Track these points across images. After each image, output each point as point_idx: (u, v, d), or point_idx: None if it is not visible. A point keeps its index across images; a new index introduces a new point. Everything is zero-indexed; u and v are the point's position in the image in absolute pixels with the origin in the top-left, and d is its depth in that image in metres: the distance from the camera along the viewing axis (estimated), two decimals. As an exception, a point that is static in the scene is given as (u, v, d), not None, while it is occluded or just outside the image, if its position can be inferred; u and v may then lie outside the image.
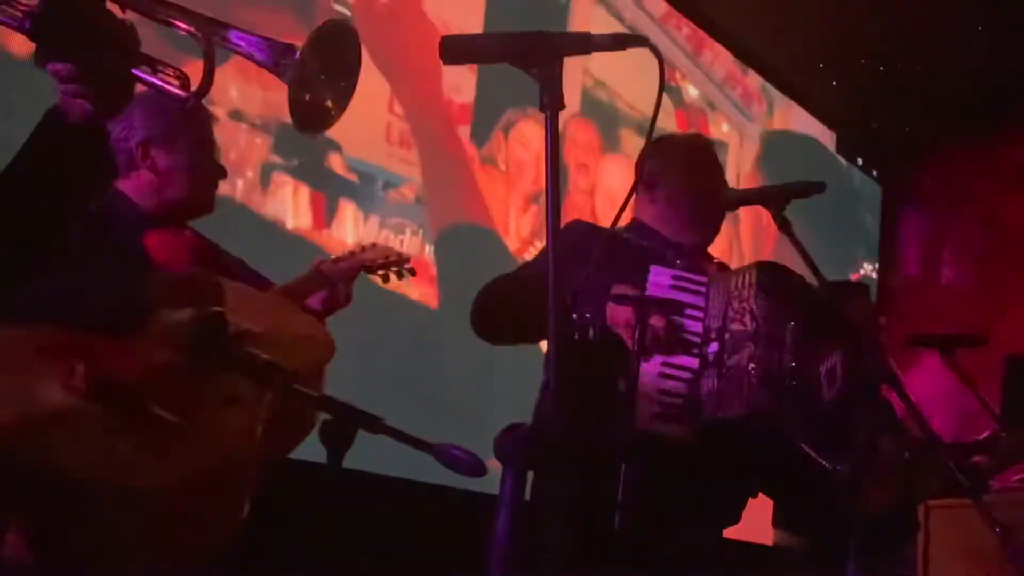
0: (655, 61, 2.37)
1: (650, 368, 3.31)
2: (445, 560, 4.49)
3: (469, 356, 5.83)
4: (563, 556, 2.12)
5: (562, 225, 2.54)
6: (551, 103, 2.26)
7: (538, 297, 2.53)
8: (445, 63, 2.36)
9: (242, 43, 2.18)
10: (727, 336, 3.40)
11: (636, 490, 3.12)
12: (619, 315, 3.35)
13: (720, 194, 3.82)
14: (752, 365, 3.31)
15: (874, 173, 10.20)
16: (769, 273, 3.49)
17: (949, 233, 9.66)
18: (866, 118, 9.51)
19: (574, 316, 3.14)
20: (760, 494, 3.75)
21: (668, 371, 3.36)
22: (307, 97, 2.23)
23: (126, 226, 3.19)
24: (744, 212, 8.14)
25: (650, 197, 3.84)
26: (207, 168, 3.40)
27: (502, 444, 2.57)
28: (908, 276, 9.86)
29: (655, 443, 3.25)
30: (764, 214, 3.59)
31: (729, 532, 3.79)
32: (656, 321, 3.32)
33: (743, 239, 8.37)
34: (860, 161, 10.02)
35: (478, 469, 2.60)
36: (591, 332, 3.18)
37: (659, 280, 3.47)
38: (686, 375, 3.37)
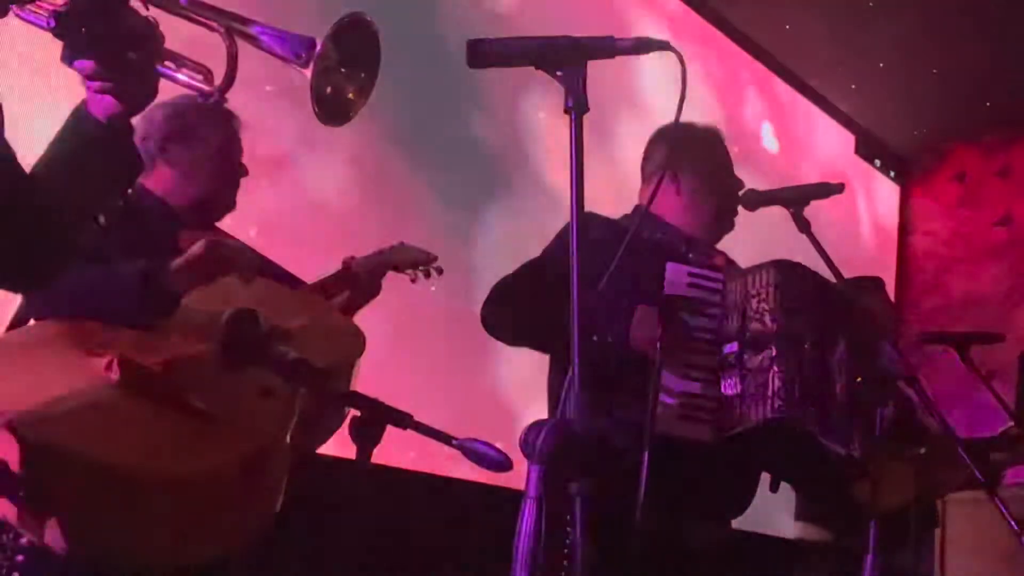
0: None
1: (671, 368, 3.28)
2: (471, 554, 4.48)
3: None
4: (585, 552, 2.11)
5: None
6: (576, 106, 2.25)
7: (544, 303, 2.50)
8: (471, 67, 2.34)
9: (264, 37, 2.18)
10: (747, 336, 3.35)
11: (656, 485, 3.11)
12: (642, 337, 3.31)
13: (737, 191, 3.78)
14: (775, 369, 3.27)
15: (892, 174, 10.17)
16: (787, 272, 3.42)
17: (965, 232, 9.61)
18: (884, 121, 9.48)
19: (594, 338, 3.07)
20: (779, 488, 3.73)
21: (688, 372, 3.32)
22: (329, 89, 2.23)
23: (159, 225, 3.19)
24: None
25: (674, 189, 3.75)
26: (226, 166, 3.39)
27: (528, 439, 2.56)
28: (925, 275, 9.83)
29: (676, 444, 3.22)
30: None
31: (748, 525, 3.77)
32: (677, 332, 3.28)
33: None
34: (878, 163, 9.99)
35: (504, 464, 2.59)
36: (611, 358, 3.15)
37: (676, 279, 3.42)
38: (705, 376, 3.34)
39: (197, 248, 2.90)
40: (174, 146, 3.31)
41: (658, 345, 3.21)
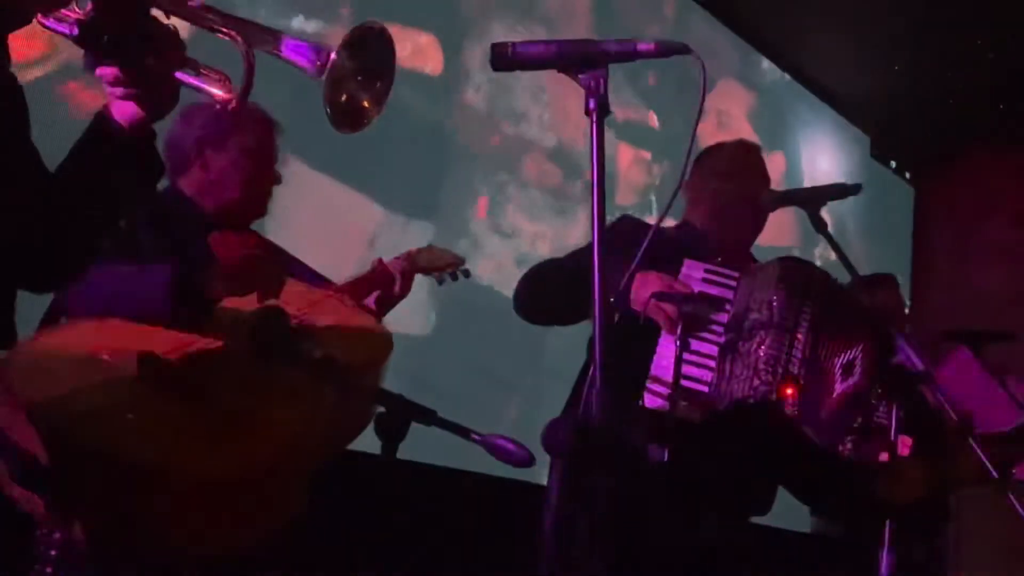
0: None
1: (670, 352, 3.30)
2: (493, 547, 4.47)
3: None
4: (602, 545, 2.11)
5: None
6: (597, 108, 2.24)
7: (580, 285, 2.51)
8: (495, 70, 2.34)
9: (280, 45, 2.19)
10: (745, 325, 3.40)
11: (675, 481, 3.13)
12: (640, 298, 3.34)
13: (756, 196, 3.80)
14: (761, 353, 3.32)
15: (907, 176, 10.14)
16: (791, 267, 3.52)
17: (980, 232, 9.58)
18: (899, 122, 9.44)
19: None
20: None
21: (688, 356, 3.35)
22: (343, 98, 2.23)
23: (190, 226, 3.18)
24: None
25: (696, 199, 3.84)
26: (260, 172, 3.37)
27: (550, 435, 2.55)
28: (940, 274, 9.80)
29: (672, 426, 3.24)
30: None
31: (766, 519, 3.76)
32: (688, 311, 3.32)
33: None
34: (893, 164, 9.96)
35: (526, 459, 2.58)
36: (617, 318, 3.18)
37: (691, 273, 3.47)
38: (704, 361, 3.37)
39: (237, 261, 2.90)
40: (210, 150, 3.29)
41: (676, 341, 3.24)
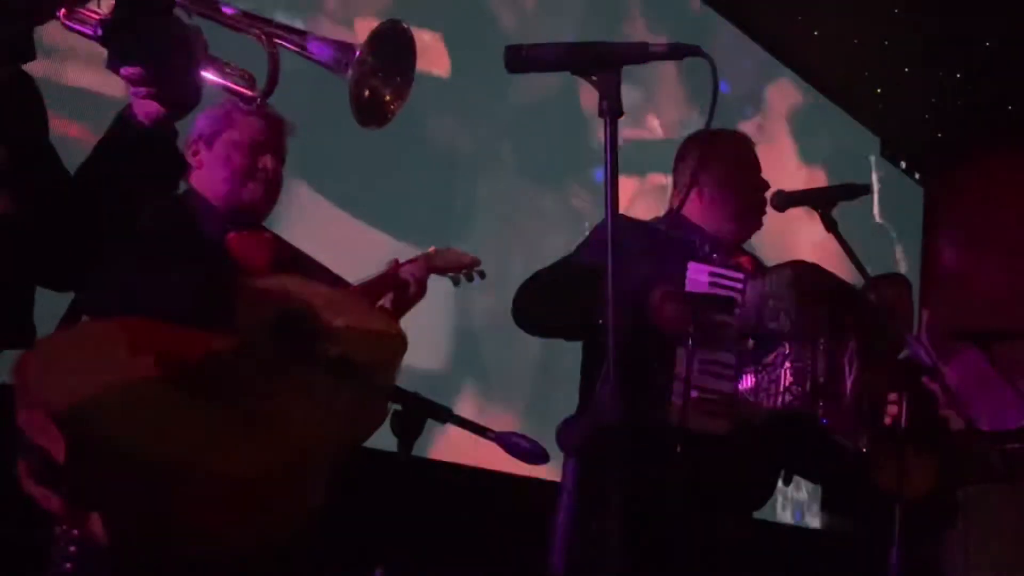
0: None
1: (691, 363, 3.28)
2: (508, 544, 4.47)
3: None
4: (616, 543, 2.11)
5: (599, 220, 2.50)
6: (610, 109, 2.24)
7: (577, 292, 2.49)
8: (509, 72, 2.34)
9: (304, 43, 2.20)
10: (763, 334, 3.36)
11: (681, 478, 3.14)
12: (668, 314, 3.31)
13: (761, 191, 3.76)
14: (787, 365, 3.27)
15: (917, 176, 10.12)
16: (804, 272, 3.45)
17: (988, 232, 9.56)
18: (909, 124, 9.43)
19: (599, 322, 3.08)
20: (791, 480, 3.72)
21: (708, 367, 3.32)
22: (367, 94, 2.24)
23: (208, 225, 3.17)
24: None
25: (697, 191, 3.72)
26: (248, 166, 3.27)
27: (564, 433, 2.56)
28: (948, 273, 9.79)
29: (697, 437, 3.22)
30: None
31: (774, 517, 3.77)
32: (703, 318, 3.29)
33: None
34: (904, 165, 9.95)
35: (540, 457, 2.58)
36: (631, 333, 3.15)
37: (697, 277, 3.41)
38: (725, 371, 3.34)
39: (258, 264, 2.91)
40: (202, 147, 3.26)
41: (688, 342, 3.22)
